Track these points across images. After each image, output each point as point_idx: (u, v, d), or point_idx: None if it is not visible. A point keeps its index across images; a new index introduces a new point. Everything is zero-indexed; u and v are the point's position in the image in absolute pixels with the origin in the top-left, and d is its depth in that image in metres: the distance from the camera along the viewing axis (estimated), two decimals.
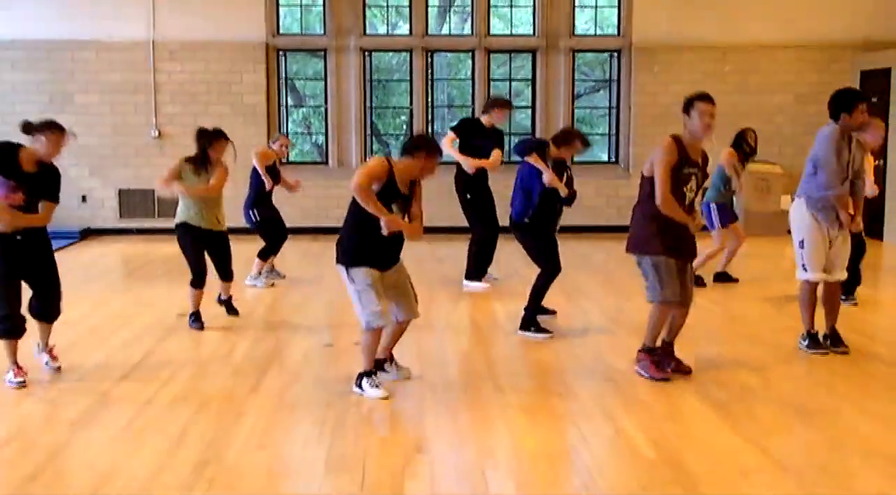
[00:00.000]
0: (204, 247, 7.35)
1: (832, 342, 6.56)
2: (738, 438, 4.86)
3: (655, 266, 5.78)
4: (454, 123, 9.59)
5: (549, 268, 7.13)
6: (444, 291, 8.81)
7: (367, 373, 5.62)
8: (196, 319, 7.34)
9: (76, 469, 4.48)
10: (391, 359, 5.88)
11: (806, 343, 6.55)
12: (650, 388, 5.73)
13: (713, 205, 8.84)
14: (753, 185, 12.52)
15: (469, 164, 8.85)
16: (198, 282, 7.29)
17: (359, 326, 5.64)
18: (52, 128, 5.73)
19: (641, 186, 5.90)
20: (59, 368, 6.08)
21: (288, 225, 9.59)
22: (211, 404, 5.46)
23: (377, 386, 5.58)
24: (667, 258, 5.77)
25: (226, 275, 7.61)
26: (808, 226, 6.41)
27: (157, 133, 13.10)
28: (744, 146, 8.83)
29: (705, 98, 5.73)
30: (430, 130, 13.90)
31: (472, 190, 9.00)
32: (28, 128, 5.74)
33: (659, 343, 5.98)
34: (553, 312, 7.59)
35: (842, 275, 6.53)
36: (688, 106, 5.74)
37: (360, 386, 5.59)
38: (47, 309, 5.97)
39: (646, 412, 5.31)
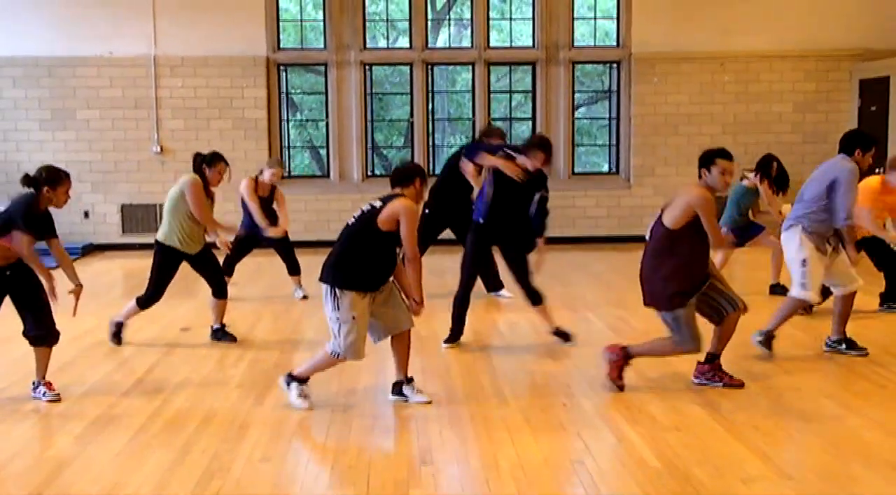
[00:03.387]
0: (177, 268, 7.30)
1: (848, 346, 6.75)
2: (742, 446, 4.88)
3: (676, 318, 5.72)
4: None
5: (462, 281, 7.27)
6: (446, 304, 8.80)
7: (302, 380, 5.66)
8: (117, 336, 7.37)
9: (82, 483, 4.49)
10: (409, 380, 5.79)
11: (761, 338, 6.76)
12: (654, 398, 5.75)
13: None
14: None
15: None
16: (147, 303, 7.25)
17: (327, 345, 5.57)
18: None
19: (659, 239, 5.74)
20: (58, 397, 5.85)
21: (290, 238, 9.61)
22: (215, 417, 5.48)
23: (304, 397, 5.61)
24: (686, 308, 5.69)
25: (219, 291, 7.40)
26: (809, 248, 6.59)
27: (158, 148, 13.15)
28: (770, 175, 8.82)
29: (726, 155, 5.76)
30: (430, 142, 13.96)
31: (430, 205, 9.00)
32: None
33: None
34: (569, 338, 7.23)
35: (857, 285, 6.72)
36: (708, 161, 5.72)
37: (288, 385, 5.65)
38: (42, 331, 5.84)
39: (650, 422, 5.32)
